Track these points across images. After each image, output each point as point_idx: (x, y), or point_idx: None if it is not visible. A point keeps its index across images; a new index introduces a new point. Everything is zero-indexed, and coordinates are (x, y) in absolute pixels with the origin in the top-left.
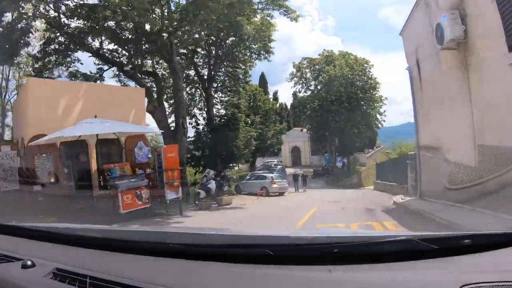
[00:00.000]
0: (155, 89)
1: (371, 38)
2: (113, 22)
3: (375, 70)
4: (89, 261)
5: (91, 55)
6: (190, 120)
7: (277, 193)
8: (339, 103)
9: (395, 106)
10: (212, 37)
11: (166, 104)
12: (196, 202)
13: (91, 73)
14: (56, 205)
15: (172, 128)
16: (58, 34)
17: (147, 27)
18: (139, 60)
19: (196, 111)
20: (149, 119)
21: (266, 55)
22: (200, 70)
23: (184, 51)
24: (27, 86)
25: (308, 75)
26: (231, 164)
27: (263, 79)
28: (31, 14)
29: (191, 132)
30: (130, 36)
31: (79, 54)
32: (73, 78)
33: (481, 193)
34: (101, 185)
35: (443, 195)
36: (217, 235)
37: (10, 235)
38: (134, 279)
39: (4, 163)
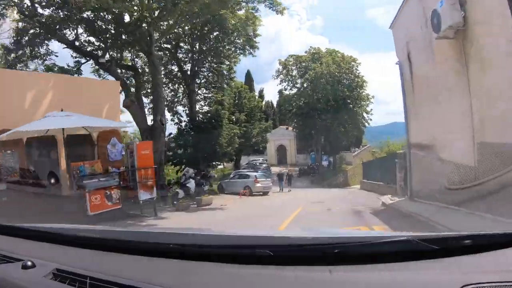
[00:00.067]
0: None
1: (359, 38)
2: (90, 12)
3: (362, 69)
4: (89, 261)
5: (65, 46)
6: (172, 117)
7: (261, 193)
8: (325, 101)
9: (382, 106)
10: (196, 31)
11: (146, 100)
12: (174, 202)
13: (68, 66)
14: (20, 205)
15: (150, 125)
16: (31, 23)
17: (126, 18)
18: (117, 53)
19: (179, 108)
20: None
21: (251, 50)
22: (183, 65)
23: (168, 45)
24: None
25: (295, 72)
26: (214, 163)
27: (249, 77)
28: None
29: (173, 129)
30: (106, 27)
31: (55, 47)
32: (49, 72)
33: (478, 194)
34: (70, 184)
35: (436, 196)
36: (217, 236)
37: (9, 235)
38: (133, 279)
39: None
